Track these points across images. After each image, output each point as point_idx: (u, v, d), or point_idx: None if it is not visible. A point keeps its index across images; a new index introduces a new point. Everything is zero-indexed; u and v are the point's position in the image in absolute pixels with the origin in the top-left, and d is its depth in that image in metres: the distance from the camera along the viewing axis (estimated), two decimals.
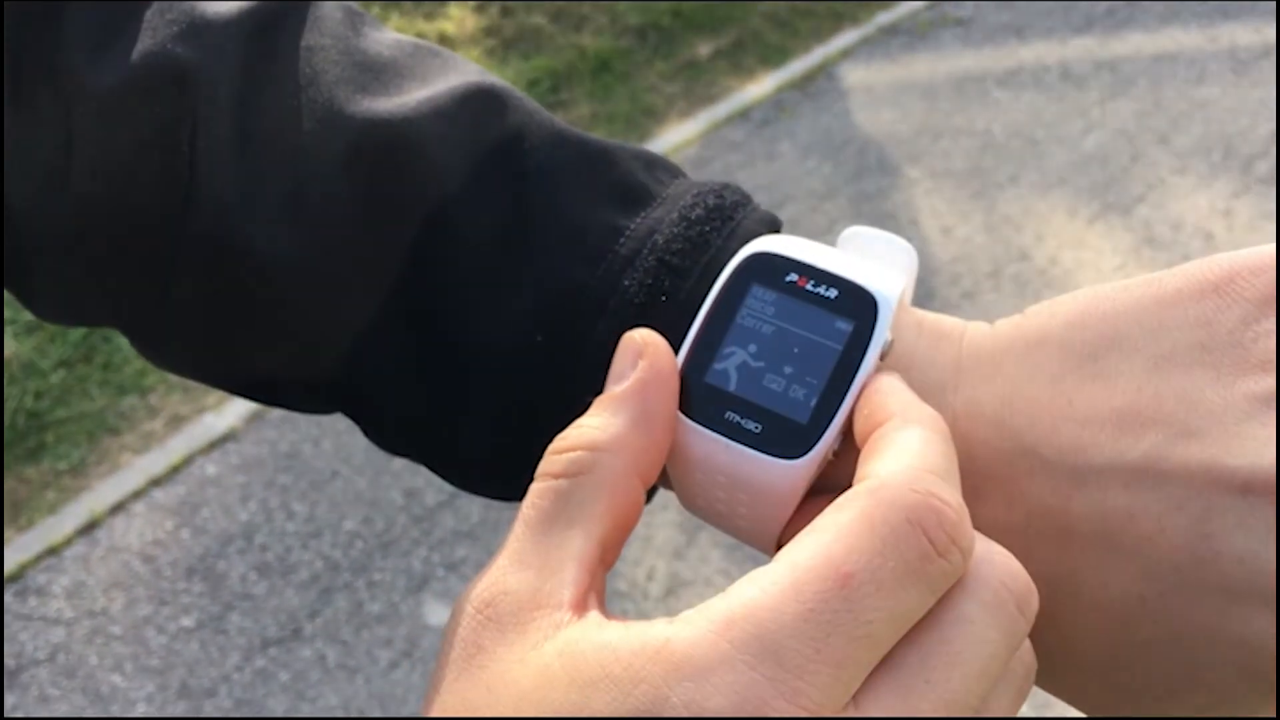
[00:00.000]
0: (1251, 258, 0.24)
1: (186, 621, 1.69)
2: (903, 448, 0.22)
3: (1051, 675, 0.25)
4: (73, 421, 2.01)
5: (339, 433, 1.96)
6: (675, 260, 0.28)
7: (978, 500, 0.24)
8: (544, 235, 0.29)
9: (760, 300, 0.26)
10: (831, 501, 0.21)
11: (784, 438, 0.24)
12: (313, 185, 0.29)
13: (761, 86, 2.97)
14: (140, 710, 1.58)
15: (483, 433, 0.30)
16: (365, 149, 0.29)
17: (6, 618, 1.69)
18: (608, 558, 0.23)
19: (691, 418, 0.25)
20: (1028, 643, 0.22)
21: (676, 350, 0.26)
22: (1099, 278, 2.21)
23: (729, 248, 0.28)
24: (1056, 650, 0.24)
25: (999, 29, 3.17)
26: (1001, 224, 2.41)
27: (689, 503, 0.28)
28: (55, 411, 2.02)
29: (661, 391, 0.25)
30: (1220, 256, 0.24)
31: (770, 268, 0.26)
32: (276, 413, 2.00)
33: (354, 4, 0.34)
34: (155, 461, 1.93)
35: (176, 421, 2.01)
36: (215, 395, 2.05)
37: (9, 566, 1.75)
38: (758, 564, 0.20)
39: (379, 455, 1.91)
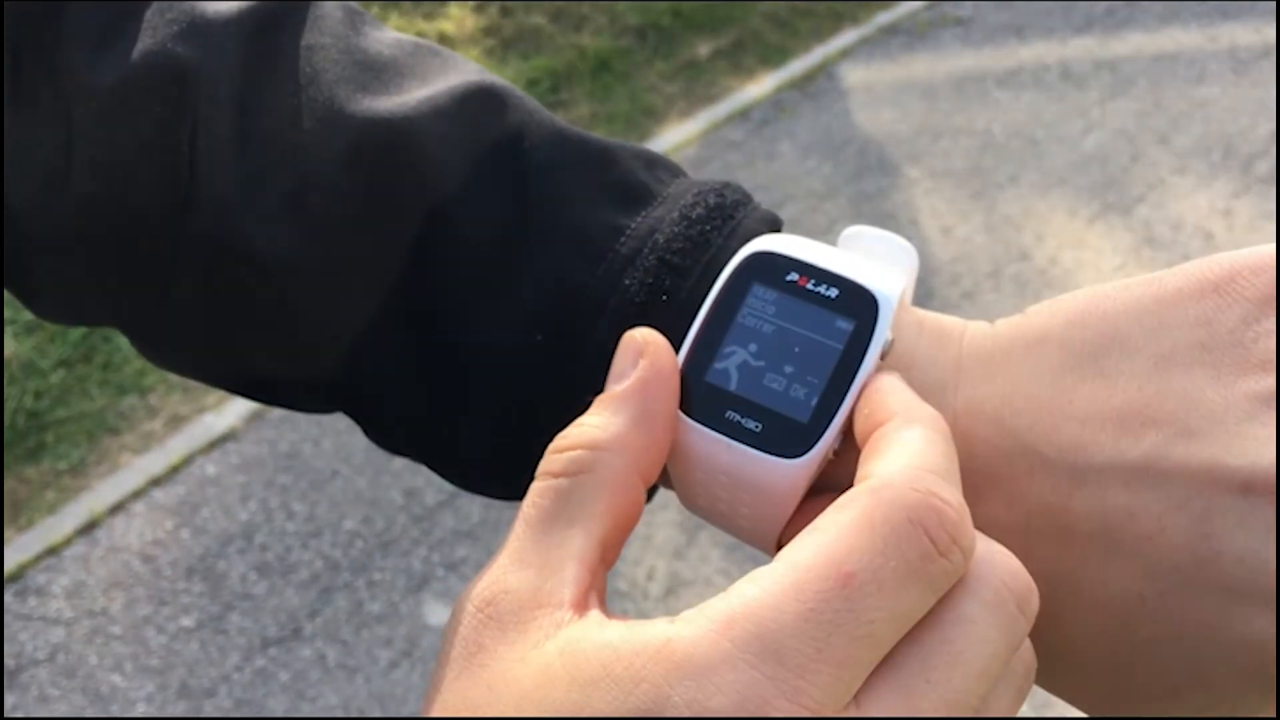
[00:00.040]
0: (1252, 257, 0.24)
1: (186, 621, 1.69)
2: (904, 447, 0.22)
3: (1052, 674, 0.25)
4: (72, 421, 2.01)
5: (339, 432, 1.96)
6: (676, 259, 0.28)
7: (978, 499, 0.24)
8: (544, 234, 0.29)
9: (761, 299, 0.26)
10: (832, 501, 0.21)
11: (785, 437, 0.24)
12: (313, 185, 0.29)
13: (761, 86, 2.97)
14: (140, 710, 1.58)
15: (483, 432, 0.30)
16: (365, 148, 0.29)
17: (6, 618, 1.69)
18: (608, 557, 0.23)
19: (692, 417, 0.25)
20: (1028, 642, 0.22)
21: (677, 349, 0.26)
22: (1099, 278, 2.21)
23: (730, 247, 0.28)
24: (1057, 649, 0.24)
25: (999, 29, 3.17)
26: (1001, 224, 2.41)
27: (690, 502, 0.28)
28: (55, 411, 2.02)
29: (662, 390, 0.25)
30: (1221, 256, 0.24)
31: (771, 267, 0.26)
32: (276, 413, 2.00)
33: (354, 3, 0.34)
34: (155, 461, 1.93)
35: (176, 421, 2.01)
36: (215, 395, 2.05)
37: (9, 566, 1.75)
38: (758, 564, 0.20)
39: (379, 455, 1.91)
